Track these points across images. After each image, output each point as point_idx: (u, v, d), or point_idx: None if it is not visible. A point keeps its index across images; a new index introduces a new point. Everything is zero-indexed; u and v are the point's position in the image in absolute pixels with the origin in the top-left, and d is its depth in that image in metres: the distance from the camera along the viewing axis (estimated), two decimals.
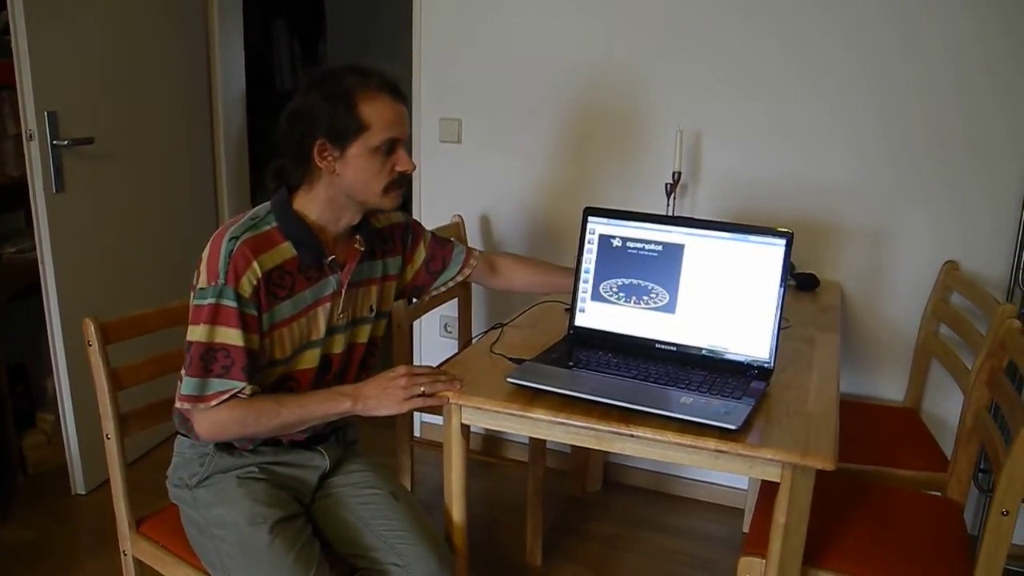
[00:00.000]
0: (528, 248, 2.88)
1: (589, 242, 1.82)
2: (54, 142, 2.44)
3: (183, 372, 1.50)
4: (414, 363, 3.19)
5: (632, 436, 1.46)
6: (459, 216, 2.75)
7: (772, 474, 1.43)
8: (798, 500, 1.43)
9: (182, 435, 1.65)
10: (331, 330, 1.64)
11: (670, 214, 2.44)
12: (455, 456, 1.65)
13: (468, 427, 1.65)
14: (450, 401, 1.58)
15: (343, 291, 1.63)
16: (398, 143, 1.55)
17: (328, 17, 4.53)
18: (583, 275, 1.82)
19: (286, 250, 1.55)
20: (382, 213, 1.76)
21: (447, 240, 1.96)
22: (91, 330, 1.60)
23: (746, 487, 2.74)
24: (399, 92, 1.55)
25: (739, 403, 1.50)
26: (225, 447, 1.60)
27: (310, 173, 1.56)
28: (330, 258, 1.60)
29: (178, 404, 1.53)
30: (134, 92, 2.79)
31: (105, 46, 2.64)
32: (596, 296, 1.81)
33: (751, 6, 2.45)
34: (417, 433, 3.12)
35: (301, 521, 1.58)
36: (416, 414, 3.05)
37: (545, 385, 1.56)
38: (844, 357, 2.48)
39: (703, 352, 1.70)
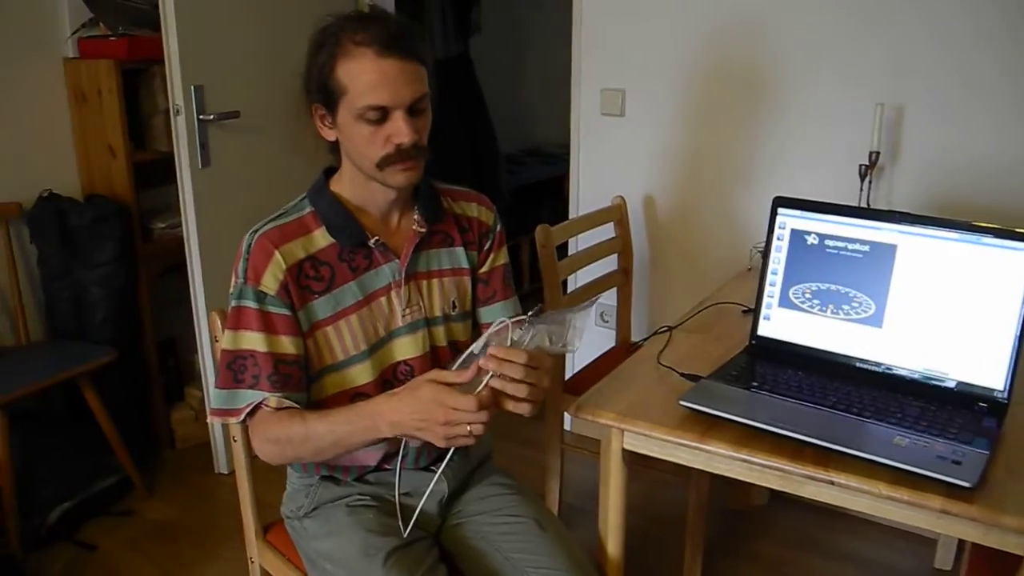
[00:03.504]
0: (698, 240, 2.60)
1: (779, 238, 1.56)
2: (200, 117, 2.39)
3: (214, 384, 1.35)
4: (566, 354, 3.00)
5: (832, 483, 1.21)
6: (621, 198, 2.50)
7: (1013, 545, 1.14)
8: None
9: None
10: (395, 330, 1.41)
11: (866, 202, 2.12)
12: (613, 486, 1.44)
13: (629, 453, 1.43)
14: (611, 425, 1.37)
15: (402, 281, 1.41)
16: (389, 111, 1.26)
17: None
18: (770, 276, 1.56)
19: (321, 237, 1.36)
20: (456, 200, 1.51)
21: (515, 295, 1.59)
22: (218, 325, 1.49)
23: None
24: (396, 46, 1.24)
25: (970, 448, 1.21)
26: (330, 476, 1.46)
27: (337, 146, 1.37)
28: (374, 239, 1.37)
29: (208, 419, 1.37)
30: (278, 64, 2.68)
31: (250, 18, 2.56)
32: (785, 302, 1.55)
33: None
34: (567, 427, 2.94)
35: (423, 546, 1.40)
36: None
37: (725, 412, 1.32)
38: None
39: (917, 376, 1.41)
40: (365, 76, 1.25)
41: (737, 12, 2.39)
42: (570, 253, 2.55)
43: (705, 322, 1.80)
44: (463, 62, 3.60)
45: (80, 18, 2.65)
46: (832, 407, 1.34)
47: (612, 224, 2.49)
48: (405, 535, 1.36)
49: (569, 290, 2.57)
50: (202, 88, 2.39)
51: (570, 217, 2.80)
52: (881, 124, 2.09)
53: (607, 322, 2.83)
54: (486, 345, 1.22)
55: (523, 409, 1.22)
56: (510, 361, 1.18)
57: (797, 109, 2.37)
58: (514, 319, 1.24)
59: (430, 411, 1.17)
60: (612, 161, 2.71)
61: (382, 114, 1.26)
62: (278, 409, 1.30)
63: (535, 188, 4.38)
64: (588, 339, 2.81)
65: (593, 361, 2.51)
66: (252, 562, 1.66)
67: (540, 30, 3.24)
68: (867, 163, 2.11)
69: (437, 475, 1.37)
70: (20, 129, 2.64)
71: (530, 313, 1.24)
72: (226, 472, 2.72)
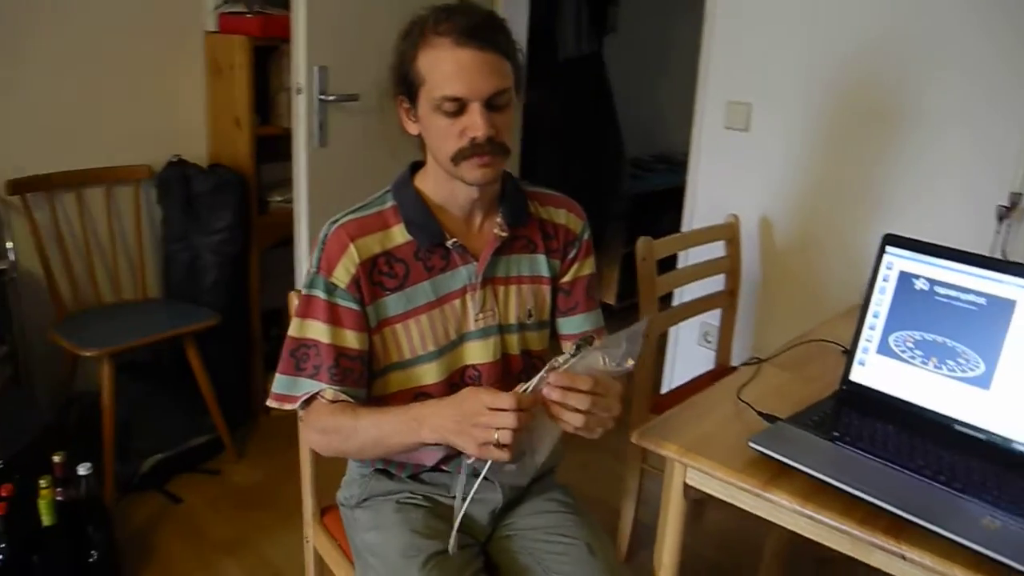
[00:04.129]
0: (814, 268, 2.45)
1: (884, 279, 1.43)
2: (320, 97, 2.42)
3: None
4: (665, 374, 2.91)
5: (903, 557, 1.09)
6: (735, 216, 2.39)
7: None
8: None
9: None
10: (467, 334, 1.37)
11: (1000, 249, 1.93)
12: (671, 523, 1.36)
13: (692, 489, 1.35)
14: (672, 458, 1.29)
15: (478, 285, 1.36)
16: (466, 103, 1.22)
17: None
18: (870, 319, 1.44)
19: (399, 233, 1.33)
20: (545, 205, 1.45)
21: (598, 307, 1.53)
22: (295, 305, 1.48)
23: None
24: (475, 36, 1.20)
25: None
26: (383, 470, 1.44)
27: (422, 140, 1.33)
28: (451, 240, 1.33)
29: (268, 402, 1.36)
30: None
31: (378, 2, 2.58)
32: (883, 348, 1.42)
33: None
34: None
35: (468, 554, 1.36)
36: None
37: (796, 461, 1.22)
38: None
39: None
40: (442, 66, 1.22)
41: (880, 32, 2.23)
42: (679, 268, 2.46)
43: (800, 358, 1.68)
44: (595, 61, 3.53)
45: None
46: (918, 472, 1.22)
47: (723, 243, 2.38)
48: (451, 545, 1.31)
49: (675, 304, 2.48)
50: (326, 69, 2.42)
51: (682, 231, 2.70)
52: None
53: (709, 343, 2.72)
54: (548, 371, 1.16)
55: (592, 434, 1.16)
56: (575, 389, 1.12)
57: (937, 142, 2.18)
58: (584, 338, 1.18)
59: (468, 412, 1.12)
60: (731, 177, 2.59)
61: (459, 106, 1.23)
62: (333, 402, 1.29)
63: (660, 195, 4.26)
64: (688, 359, 2.75)
65: (688, 382, 2.40)
66: (307, 542, 1.67)
67: (683, 34, 3.15)
68: (1006, 204, 1.92)
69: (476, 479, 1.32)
70: (161, 97, 2.77)
71: (576, 344, 1.16)
72: None
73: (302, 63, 2.37)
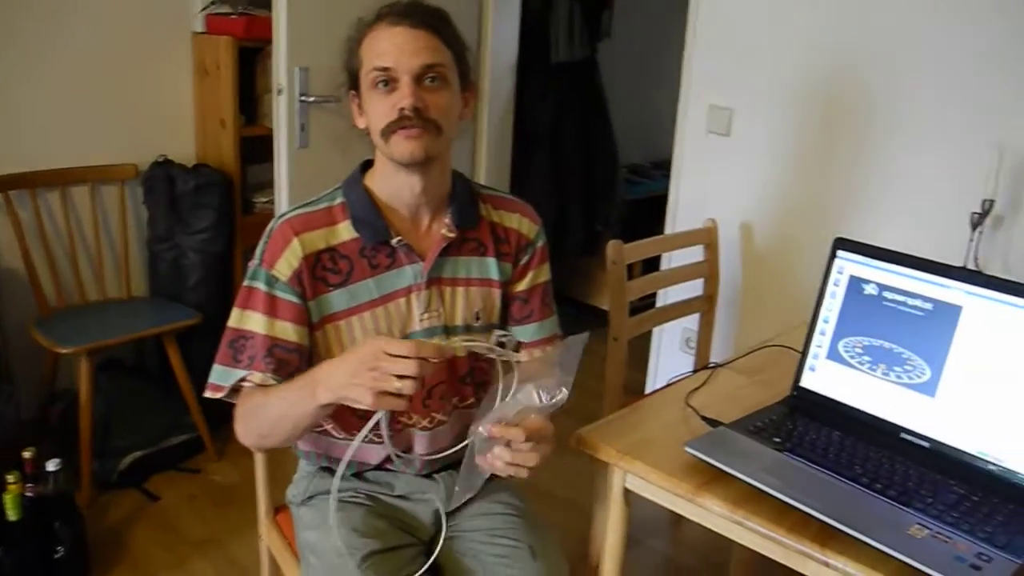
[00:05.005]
0: (794, 273, 2.43)
1: (835, 283, 1.42)
2: (302, 98, 2.43)
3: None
4: (649, 378, 2.89)
5: (827, 564, 1.08)
6: (712, 221, 2.37)
7: None
8: None
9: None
10: (412, 334, 1.35)
11: (974, 256, 1.90)
12: (612, 525, 1.35)
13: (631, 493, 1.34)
14: (610, 464, 1.28)
15: (424, 285, 1.35)
16: (393, 75, 1.23)
17: None
18: (820, 324, 1.42)
19: (344, 230, 1.33)
20: (498, 208, 1.45)
21: (553, 314, 1.51)
22: None
23: None
24: (408, 15, 1.25)
25: (999, 553, 1.04)
26: (327, 468, 1.43)
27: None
28: (397, 239, 1.33)
29: (205, 392, 1.34)
30: None
31: (359, 4, 2.58)
32: (833, 354, 1.40)
33: None
34: None
35: (408, 553, 1.35)
36: None
37: (731, 467, 1.21)
38: None
39: (967, 458, 1.24)
40: (376, 44, 1.26)
41: (860, 41, 2.21)
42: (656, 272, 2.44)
43: (758, 364, 1.66)
44: (588, 66, 3.52)
45: None
46: (855, 479, 1.20)
47: (702, 247, 2.36)
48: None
49: (658, 306, 2.46)
50: (307, 70, 2.43)
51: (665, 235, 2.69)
52: (999, 168, 1.87)
53: (691, 348, 2.70)
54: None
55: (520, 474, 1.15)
56: (512, 440, 1.12)
57: (914, 148, 2.16)
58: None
59: (364, 358, 1.07)
60: (713, 182, 2.58)
61: (389, 78, 1.24)
62: (261, 386, 1.28)
63: (657, 201, 4.24)
64: (671, 364, 2.73)
65: (665, 386, 2.39)
66: (261, 541, 1.67)
67: (678, 40, 3.13)
68: (979, 211, 1.90)
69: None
70: (148, 96, 2.79)
71: (498, 340, 1.14)
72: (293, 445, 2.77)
73: (283, 64, 2.38)
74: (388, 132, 1.26)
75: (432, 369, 1.08)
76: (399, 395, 1.05)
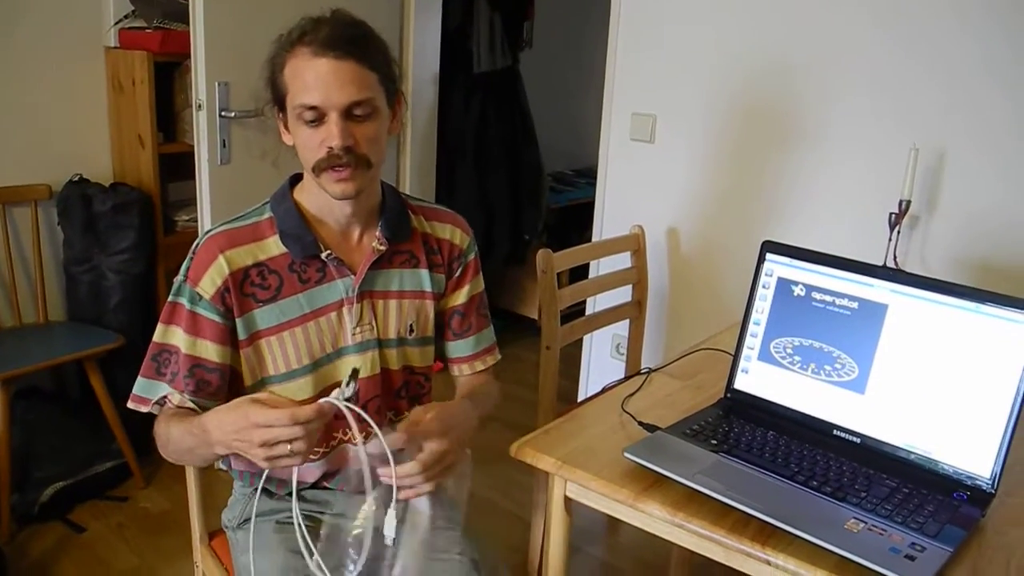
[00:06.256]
0: (721, 276, 2.47)
1: (764, 285, 1.44)
2: (223, 113, 2.37)
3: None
4: (580, 386, 2.90)
5: (768, 563, 1.09)
6: (639, 227, 2.39)
7: None
8: None
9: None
10: (344, 348, 1.35)
11: (892, 255, 1.97)
12: (555, 534, 1.35)
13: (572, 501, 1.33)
14: (551, 473, 1.28)
15: (355, 298, 1.34)
16: (321, 111, 1.21)
17: None
18: (751, 327, 1.45)
19: (273, 245, 1.31)
20: (430, 220, 1.44)
21: (489, 324, 1.54)
22: None
23: None
24: (333, 46, 1.20)
25: (932, 543, 1.07)
26: (265, 488, 1.40)
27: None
28: (326, 253, 1.31)
29: (128, 403, 1.32)
30: None
31: (280, 18, 2.55)
32: (764, 355, 1.43)
33: None
34: None
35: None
36: None
37: (667, 469, 1.22)
38: None
39: (897, 452, 1.28)
40: (301, 75, 1.22)
41: (782, 47, 2.27)
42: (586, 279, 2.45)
43: (691, 367, 1.68)
44: (509, 76, 3.53)
45: (124, 8, 2.69)
46: (791, 478, 1.22)
47: (629, 254, 2.38)
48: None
49: (587, 313, 2.48)
50: (228, 85, 2.38)
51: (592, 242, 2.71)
52: (914, 169, 1.94)
53: (621, 355, 2.72)
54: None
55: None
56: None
57: (835, 154, 2.23)
58: None
59: (245, 431, 1.07)
60: (638, 188, 2.61)
61: (317, 115, 1.22)
62: (179, 407, 1.27)
63: (581, 208, 4.29)
64: (602, 371, 2.75)
65: (598, 393, 2.40)
66: (197, 567, 1.62)
67: (600, 49, 3.17)
68: (896, 211, 1.96)
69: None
70: (61, 114, 2.69)
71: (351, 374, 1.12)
72: (225, 468, 2.69)
73: (202, 79, 2.33)
74: (319, 170, 1.25)
75: (318, 430, 1.08)
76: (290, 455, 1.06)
